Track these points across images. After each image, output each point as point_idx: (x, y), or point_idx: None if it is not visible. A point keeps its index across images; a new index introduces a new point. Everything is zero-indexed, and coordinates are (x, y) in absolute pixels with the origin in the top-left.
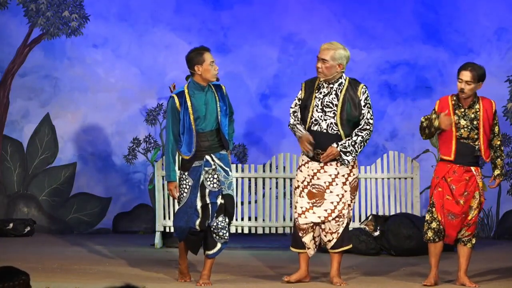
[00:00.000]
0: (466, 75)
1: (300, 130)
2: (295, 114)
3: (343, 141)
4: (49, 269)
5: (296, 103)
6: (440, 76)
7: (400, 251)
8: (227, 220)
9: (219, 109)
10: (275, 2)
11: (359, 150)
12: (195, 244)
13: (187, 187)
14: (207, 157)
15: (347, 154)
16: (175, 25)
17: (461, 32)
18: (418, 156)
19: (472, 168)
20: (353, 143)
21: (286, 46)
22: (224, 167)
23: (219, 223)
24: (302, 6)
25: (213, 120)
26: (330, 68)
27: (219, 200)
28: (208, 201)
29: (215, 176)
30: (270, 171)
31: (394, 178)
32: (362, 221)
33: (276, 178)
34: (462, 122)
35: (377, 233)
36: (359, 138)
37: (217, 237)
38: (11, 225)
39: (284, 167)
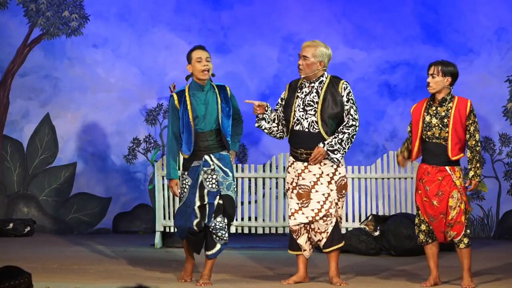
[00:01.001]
0: (431, 69)
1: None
2: (275, 111)
3: (329, 140)
4: (49, 269)
5: (278, 102)
6: None
7: (400, 251)
8: (226, 220)
9: (220, 110)
10: (275, 2)
11: (347, 147)
12: (196, 244)
13: (187, 186)
14: (206, 157)
15: (335, 152)
16: (175, 25)
17: (461, 32)
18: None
19: (447, 168)
20: (339, 141)
21: (286, 46)
22: (223, 167)
23: (217, 223)
24: (302, 6)
25: (213, 121)
26: (311, 65)
27: (217, 201)
28: (206, 201)
29: (214, 176)
30: (270, 171)
31: (394, 178)
32: (362, 221)
33: (276, 178)
34: (434, 120)
35: (377, 233)
36: (345, 135)
37: (216, 237)
38: (11, 225)
39: (284, 167)
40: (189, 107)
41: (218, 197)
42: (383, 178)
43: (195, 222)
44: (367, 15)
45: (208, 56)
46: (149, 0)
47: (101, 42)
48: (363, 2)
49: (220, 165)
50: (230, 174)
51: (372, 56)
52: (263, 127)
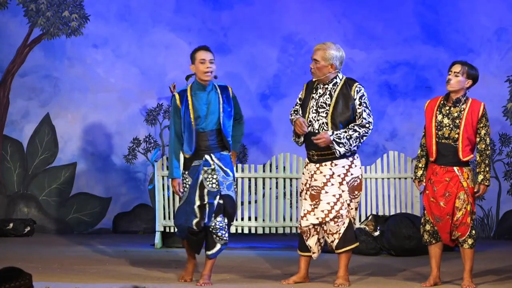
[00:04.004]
0: (456, 67)
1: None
2: (296, 112)
3: (339, 132)
4: (49, 269)
5: (297, 102)
6: (440, 76)
7: (400, 251)
8: (226, 220)
9: (221, 110)
10: (275, 2)
11: (353, 145)
12: (196, 244)
13: (187, 185)
14: (207, 156)
15: (340, 145)
16: (175, 25)
17: (461, 32)
18: None
19: (455, 169)
20: (348, 137)
21: (286, 46)
22: (224, 167)
23: (217, 223)
24: (302, 6)
25: (214, 121)
26: (321, 68)
27: (217, 201)
28: (206, 201)
29: (214, 176)
30: (270, 171)
31: (394, 178)
32: (362, 221)
33: (276, 178)
34: (445, 120)
35: (377, 233)
36: (356, 134)
37: (216, 237)
38: (11, 225)
39: (284, 167)
40: (190, 106)
41: (218, 196)
42: (383, 178)
43: (194, 221)
44: (367, 15)
45: (212, 58)
46: (149, 0)
47: (101, 42)
48: (363, 2)
49: (221, 165)
50: (230, 174)
51: (372, 56)
52: (299, 142)
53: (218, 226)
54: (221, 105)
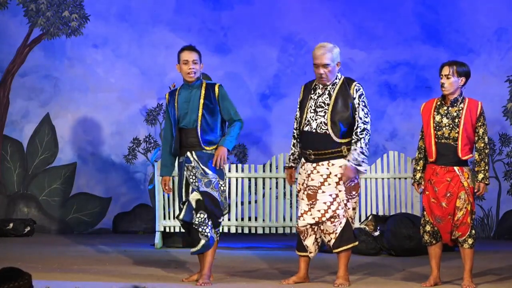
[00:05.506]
0: (445, 69)
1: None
2: (294, 134)
3: (351, 155)
4: (49, 269)
5: (298, 108)
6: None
7: (400, 251)
8: (205, 216)
9: (201, 107)
10: (275, 2)
11: (367, 152)
12: (187, 237)
13: (179, 181)
14: (188, 153)
15: (362, 165)
16: (175, 25)
17: (461, 32)
18: None
19: (455, 168)
20: (361, 151)
21: (286, 46)
22: (202, 165)
23: (197, 219)
24: (302, 6)
25: (194, 118)
26: (333, 70)
27: (197, 197)
28: (189, 197)
29: (194, 173)
30: (270, 171)
31: (394, 178)
32: (362, 221)
33: (276, 178)
34: (444, 120)
35: (377, 233)
36: (362, 142)
37: (199, 233)
38: (11, 225)
39: (284, 167)
40: (176, 105)
41: (197, 193)
42: (383, 178)
43: (181, 215)
44: (367, 15)
45: (196, 58)
46: (149, 0)
47: (101, 42)
48: (363, 2)
49: (200, 162)
50: (209, 172)
51: (372, 56)
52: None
53: (196, 222)
54: (202, 102)
